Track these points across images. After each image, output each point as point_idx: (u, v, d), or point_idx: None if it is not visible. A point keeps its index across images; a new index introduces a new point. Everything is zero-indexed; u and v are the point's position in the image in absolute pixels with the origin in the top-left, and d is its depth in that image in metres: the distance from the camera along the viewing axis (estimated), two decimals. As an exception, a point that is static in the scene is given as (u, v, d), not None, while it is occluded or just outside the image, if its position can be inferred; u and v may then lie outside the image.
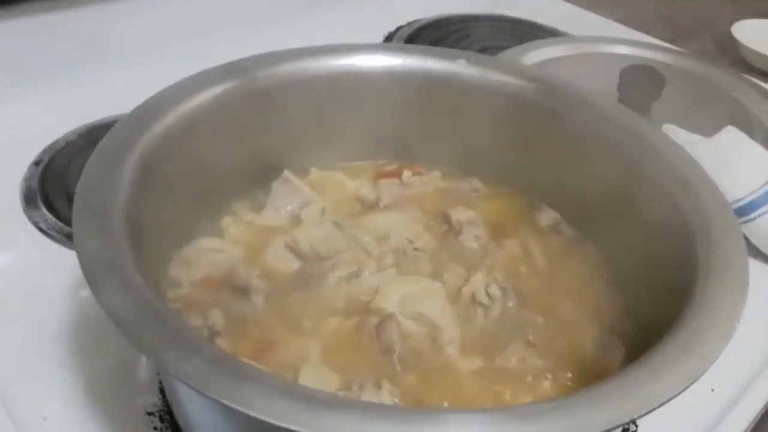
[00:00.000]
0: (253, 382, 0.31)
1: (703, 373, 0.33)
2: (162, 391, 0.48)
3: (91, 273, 0.36)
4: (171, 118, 0.47)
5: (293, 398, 0.31)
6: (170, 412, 0.47)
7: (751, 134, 0.68)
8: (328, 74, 0.54)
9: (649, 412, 0.31)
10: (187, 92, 0.49)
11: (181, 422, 0.46)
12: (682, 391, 0.32)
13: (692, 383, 0.33)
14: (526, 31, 1.00)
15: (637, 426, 0.50)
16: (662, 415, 0.48)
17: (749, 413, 0.52)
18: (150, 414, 0.47)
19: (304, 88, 0.54)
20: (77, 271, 0.36)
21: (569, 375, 0.45)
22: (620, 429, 0.46)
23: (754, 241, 0.62)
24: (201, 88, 0.50)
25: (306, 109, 0.55)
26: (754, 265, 0.59)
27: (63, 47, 0.78)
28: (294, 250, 0.50)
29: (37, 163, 0.67)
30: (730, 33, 1.02)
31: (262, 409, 0.30)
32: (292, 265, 0.50)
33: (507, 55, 0.80)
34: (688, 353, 0.34)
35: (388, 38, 0.95)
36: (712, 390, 0.52)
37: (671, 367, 0.33)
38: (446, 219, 0.54)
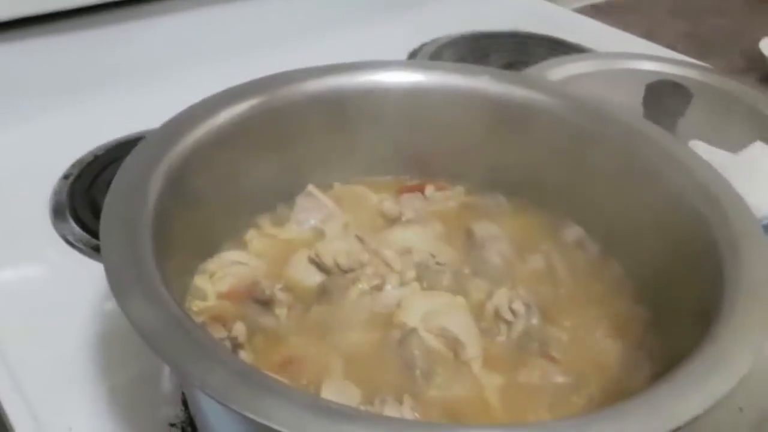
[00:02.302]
0: (276, 394, 0.31)
1: (729, 391, 0.33)
2: (185, 403, 0.49)
3: (117, 285, 0.37)
4: (197, 133, 0.48)
5: (315, 411, 0.31)
6: (192, 424, 0.48)
7: (780, 150, 0.67)
8: (351, 91, 0.54)
9: (675, 430, 0.31)
10: (213, 109, 0.50)
11: (203, 434, 0.46)
12: (708, 409, 0.32)
13: (718, 401, 0.32)
14: (551, 48, 1.00)
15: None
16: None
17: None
18: (173, 425, 0.48)
19: (327, 105, 0.54)
20: (103, 284, 0.37)
21: (593, 392, 0.44)
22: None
23: (783, 258, 0.61)
24: (227, 104, 0.51)
25: (329, 125, 0.55)
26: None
27: (92, 64, 0.80)
28: (317, 263, 0.50)
29: (66, 176, 0.68)
30: (757, 48, 1.01)
31: (284, 422, 0.30)
32: (315, 278, 0.50)
33: (531, 72, 0.80)
34: (714, 371, 0.34)
35: (413, 55, 0.95)
36: (740, 409, 0.51)
37: (697, 385, 0.33)
38: (469, 234, 0.54)
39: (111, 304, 0.53)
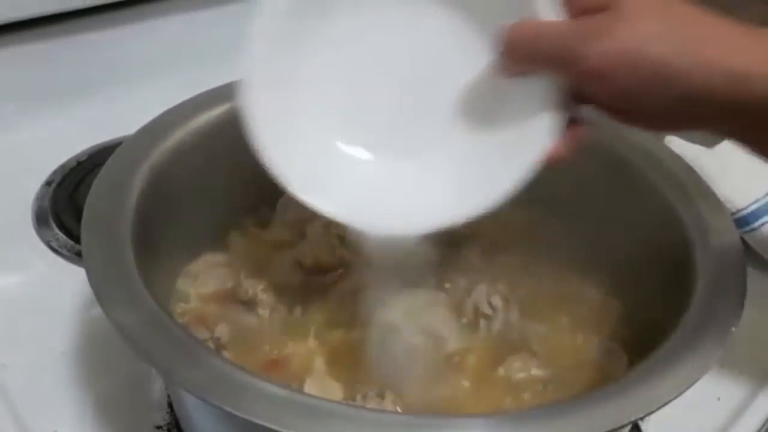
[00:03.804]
0: (257, 390, 0.32)
1: (699, 378, 0.34)
2: (170, 405, 0.49)
3: (99, 287, 0.37)
4: (177, 136, 0.48)
5: (297, 406, 0.31)
6: (179, 426, 0.48)
7: (753, 144, 0.68)
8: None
9: (646, 415, 0.32)
10: (192, 111, 0.50)
11: (189, 435, 0.47)
12: (679, 395, 0.33)
13: (689, 387, 0.33)
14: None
15: (643, 436, 0.50)
16: (669, 425, 0.49)
17: (755, 422, 0.51)
18: (158, 428, 0.48)
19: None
20: (87, 289, 0.37)
21: (573, 384, 0.45)
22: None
23: (759, 250, 0.63)
24: (207, 107, 0.51)
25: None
26: (760, 274, 0.59)
27: (72, 71, 0.79)
28: (299, 263, 0.51)
29: (48, 183, 0.68)
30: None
31: (265, 417, 0.30)
32: (297, 278, 0.51)
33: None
34: (685, 358, 0.34)
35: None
36: (719, 399, 0.52)
37: (668, 372, 0.34)
38: (448, 231, 0.54)
39: (95, 310, 0.53)
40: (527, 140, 0.38)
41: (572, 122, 0.38)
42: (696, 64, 0.31)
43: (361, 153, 0.41)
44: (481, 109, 0.39)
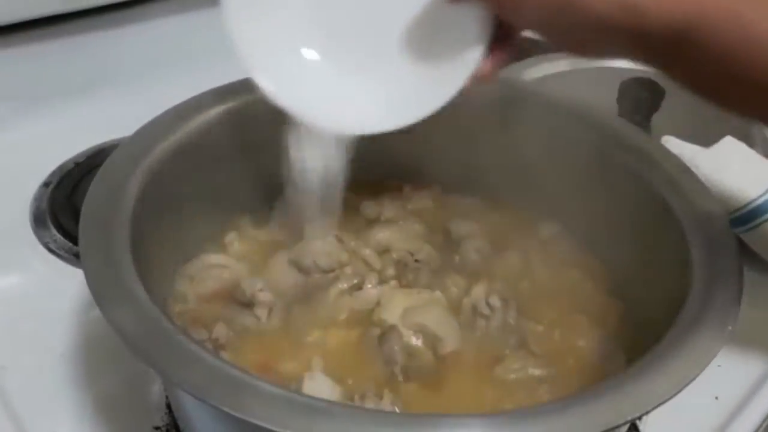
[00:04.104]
0: (254, 390, 0.32)
1: (696, 377, 0.34)
2: (169, 406, 0.49)
3: (97, 288, 0.37)
4: (174, 137, 0.48)
5: (294, 406, 0.31)
6: (177, 427, 0.48)
7: (751, 144, 0.68)
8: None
9: (644, 414, 0.32)
10: (190, 112, 0.50)
11: (187, 435, 0.47)
12: (676, 393, 0.33)
13: (685, 386, 0.33)
14: (525, 48, 1.00)
15: (641, 435, 0.50)
16: (667, 424, 0.49)
17: (753, 421, 0.51)
18: (157, 429, 0.48)
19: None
20: (85, 290, 0.37)
21: (571, 384, 0.45)
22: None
23: (756, 249, 0.63)
24: (205, 107, 0.51)
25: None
26: (758, 274, 0.59)
27: (71, 72, 0.79)
28: (297, 264, 0.51)
29: (46, 184, 0.68)
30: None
31: (262, 417, 0.30)
32: (295, 279, 0.51)
33: (507, 72, 0.80)
34: (682, 357, 0.35)
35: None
36: (716, 398, 0.52)
37: (665, 371, 0.34)
38: (446, 232, 0.54)
39: (94, 311, 0.53)
40: (457, 62, 0.42)
41: (498, 46, 0.42)
42: None
43: (317, 59, 0.46)
44: (422, 33, 0.45)
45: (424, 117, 0.43)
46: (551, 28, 0.37)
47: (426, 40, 0.44)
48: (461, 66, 0.42)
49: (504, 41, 0.42)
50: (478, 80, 0.42)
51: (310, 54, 0.46)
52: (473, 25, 0.41)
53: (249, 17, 0.44)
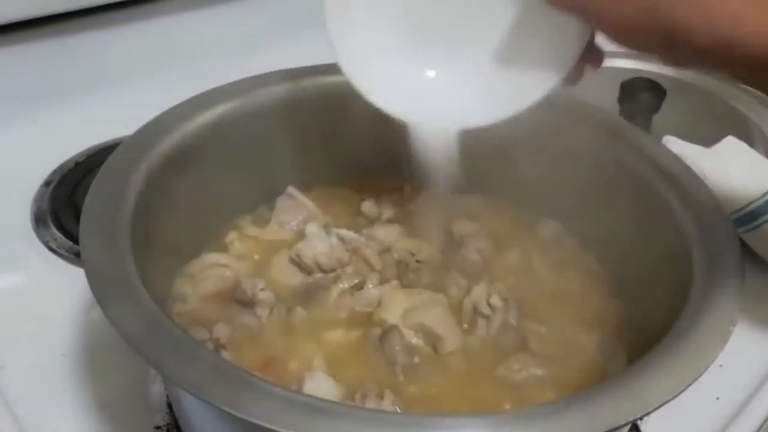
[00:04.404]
0: (254, 389, 0.32)
1: (697, 377, 0.34)
2: (170, 406, 0.49)
3: (98, 287, 0.37)
4: (175, 136, 0.48)
5: (294, 405, 0.31)
6: (178, 427, 0.48)
7: (752, 144, 0.68)
8: (328, 93, 0.55)
9: (645, 415, 0.32)
10: (191, 112, 0.50)
11: (188, 435, 0.47)
12: (677, 394, 0.33)
13: (687, 387, 0.33)
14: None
15: (642, 435, 0.50)
16: (668, 424, 0.49)
17: (754, 422, 0.51)
18: (158, 428, 0.48)
19: (306, 107, 0.55)
20: (86, 289, 0.37)
21: (572, 384, 0.45)
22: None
23: (757, 249, 0.63)
24: (205, 107, 0.51)
25: (308, 127, 0.56)
26: (759, 274, 0.59)
27: (71, 71, 0.80)
28: (298, 264, 0.51)
29: (47, 183, 0.68)
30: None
31: (262, 416, 0.30)
32: (296, 278, 0.51)
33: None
34: (683, 357, 0.34)
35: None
36: (717, 398, 0.52)
37: (666, 372, 0.34)
38: (448, 232, 0.54)
39: (95, 310, 0.53)
40: (550, 64, 0.44)
41: (586, 53, 0.44)
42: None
43: (413, 60, 0.48)
44: (516, 35, 0.45)
45: (520, 112, 0.45)
46: (655, 51, 0.38)
47: (522, 39, 0.45)
48: (554, 68, 0.43)
49: (592, 48, 0.43)
50: (565, 83, 0.44)
51: (406, 55, 0.47)
52: (571, 31, 0.42)
53: (345, 24, 0.45)
